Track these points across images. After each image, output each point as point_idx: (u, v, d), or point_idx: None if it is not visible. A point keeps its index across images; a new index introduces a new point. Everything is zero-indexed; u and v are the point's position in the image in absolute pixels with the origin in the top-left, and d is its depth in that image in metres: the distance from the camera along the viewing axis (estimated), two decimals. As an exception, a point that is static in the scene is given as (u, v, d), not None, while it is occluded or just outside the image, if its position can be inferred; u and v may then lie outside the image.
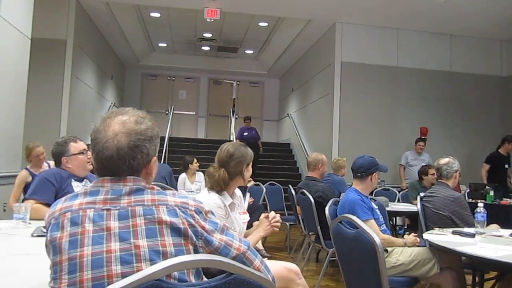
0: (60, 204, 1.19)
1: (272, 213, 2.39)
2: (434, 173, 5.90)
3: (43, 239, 1.20)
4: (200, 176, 6.50)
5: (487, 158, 7.20)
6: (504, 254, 2.23)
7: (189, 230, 1.17)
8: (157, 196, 1.20)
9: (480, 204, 2.99)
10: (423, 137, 8.08)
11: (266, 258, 2.54)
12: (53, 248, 1.13)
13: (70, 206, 1.17)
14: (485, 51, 8.89)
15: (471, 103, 8.80)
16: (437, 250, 2.75)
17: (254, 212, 4.85)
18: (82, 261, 1.08)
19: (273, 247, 6.21)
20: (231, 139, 10.93)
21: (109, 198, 1.17)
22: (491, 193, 5.78)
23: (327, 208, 3.52)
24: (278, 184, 7.19)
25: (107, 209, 1.15)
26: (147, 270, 1.00)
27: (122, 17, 9.10)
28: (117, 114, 1.26)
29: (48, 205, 2.31)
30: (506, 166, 6.88)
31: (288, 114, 12.29)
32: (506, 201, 5.71)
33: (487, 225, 3.10)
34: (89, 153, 2.82)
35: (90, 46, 8.89)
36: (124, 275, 1.04)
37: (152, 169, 1.28)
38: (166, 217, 1.15)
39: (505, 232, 3.00)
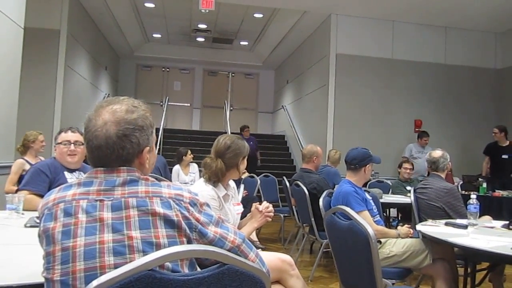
0: (54, 195, 1.19)
1: (265, 203, 2.40)
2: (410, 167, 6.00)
3: (36, 229, 1.20)
4: (194, 167, 6.50)
5: (484, 149, 7.24)
6: (496, 245, 2.26)
7: (183, 222, 1.16)
8: (151, 187, 1.19)
9: (473, 196, 3.02)
10: (422, 130, 8.08)
11: (260, 250, 2.56)
12: (46, 238, 1.12)
13: (63, 196, 1.16)
14: (479, 44, 8.91)
15: (466, 96, 8.83)
16: (430, 242, 2.77)
17: (248, 203, 4.84)
18: (75, 252, 1.08)
19: (268, 239, 6.24)
20: (226, 130, 10.91)
21: (102, 189, 1.16)
22: (484, 185, 5.83)
23: (321, 200, 3.54)
24: (272, 176, 7.21)
25: (100, 200, 1.14)
26: (141, 260, 1.00)
27: (117, 7, 9.02)
28: (110, 103, 1.25)
29: (41, 196, 2.31)
30: (505, 156, 6.87)
31: (283, 106, 12.28)
32: (498, 192, 5.76)
33: (480, 216, 3.13)
34: (72, 145, 2.86)
35: (84, 37, 8.82)
36: (116, 266, 1.04)
37: (145, 159, 1.26)
38: (159, 209, 1.15)
39: (497, 223, 3.03)
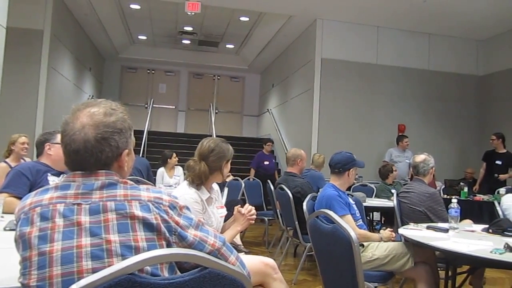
0: (30, 199, 1.16)
1: (247, 206, 2.39)
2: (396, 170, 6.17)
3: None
4: (179, 170, 6.47)
5: (483, 156, 7.42)
6: (476, 249, 2.28)
7: (162, 225, 1.15)
8: (130, 191, 1.18)
9: (454, 200, 3.05)
10: (401, 134, 8.18)
11: (243, 253, 2.55)
12: (23, 243, 1.10)
13: (40, 200, 1.14)
14: (462, 51, 9.07)
15: (449, 101, 8.97)
16: (412, 245, 2.80)
17: (233, 207, 4.84)
18: (52, 257, 1.06)
19: (252, 242, 6.23)
20: (211, 133, 10.88)
21: (80, 192, 1.15)
22: (465, 189, 5.92)
23: (305, 203, 3.55)
24: (257, 179, 7.21)
25: (78, 204, 1.13)
26: (121, 264, 0.99)
27: (102, 8, 8.94)
28: (88, 105, 1.23)
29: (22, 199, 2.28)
30: (498, 162, 7.01)
31: (268, 109, 12.30)
32: (479, 197, 5.85)
33: (461, 220, 3.17)
34: None
35: (68, 37, 8.72)
36: (95, 271, 1.02)
37: (124, 163, 1.25)
38: (138, 212, 1.14)
39: (478, 227, 3.07)
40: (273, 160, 8.87)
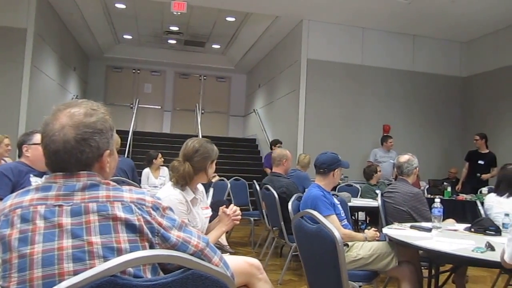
0: (10, 200, 1.15)
1: (232, 206, 2.39)
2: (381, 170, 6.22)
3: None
4: (164, 171, 6.44)
5: (466, 156, 7.53)
6: (458, 248, 2.31)
7: (145, 226, 1.15)
8: (112, 192, 1.17)
9: (437, 200, 3.09)
10: (385, 134, 8.26)
11: (228, 254, 2.55)
12: (3, 245, 1.09)
13: (20, 202, 1.13)
14: (445, 53, 9.19)
15: (432, 102, 9.08)
16: (396, 244, 2.82)
17: (218, 208, 4.83)
18: (32, 259, 1.05)
19: (238, 242, 6.22)
20: (197, 134, 10.84)
21: (61, 194, 1.13)
22: (449, 189, 6.00)
23: (290, 204, 3.56)
24: (243, 180, 7.21)
25: (59, 205, 1.11)
26: (102, 265, 0.98)
27: (86, 7, 8.85)
28: (68, 106, 1.22)
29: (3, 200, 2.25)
30: (481, 162, 7.11)
31: (254, 109, 12.31)
32: (462, 196, 5.93)
33: (444, 219, 3.21)
34: None
35: (51, 36, 8.61)
36: (76, 273, 1.01)
37: (106, 163, 1.24)
38: (121, 214, 1.13)
39: (460, 226, 3.12)
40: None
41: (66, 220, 1.10)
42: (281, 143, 8.19)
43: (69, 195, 1.14)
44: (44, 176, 2.86)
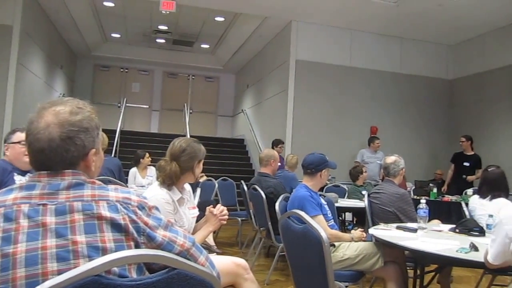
0: None
1: (219, 206, 2.39)
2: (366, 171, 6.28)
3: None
4: (152, 170, 6.40)
5: (451, 157, 7.63)
6: (443, 248, 2.35)
7: (130, 226, 1.14)
8: (97, 191, 1.16)
9: (423, 201, 3.13)
10: (373, 135, 8.32)
11: (215, 254, 2.55)
12: None
13: (3, 201, 1.11)
14: (432, 55, 9.29)
15: (419, 104, 9.17)
16: (382, 245, 2.85)
17: (205, 207, 4.82)
18: (16, 258, 1.03)
19: (225, 243, 6.22)
20: (185, 134, 10.81)
21: (45, 192, 1.12)
22: (435, 190, 6.07)
23: (277, 204, 3.56)
24: (230, 180, 7.20)
25: (44, 204, 1.10)
26: (86, 265, 0.97)
27: (74, 5, 8.76)
28: (53, 104, 1.20)
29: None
30: (466, 164, 7.20)
31: (242, 110, 12.31)
32: (448, 197, 6.00)
33: (430, 220, 3.25)
34: None
35: (38, 34, 8.52)
36: (60, 272, 1.00)
37: (91, 162, 1.23)
38: (106, 213, 1.12)
39: (445, 227, 3.16)
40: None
41: (50, 219, 1.08)
42: (283, 143, 7.95)
43: (54, 194, 1.12)
44: (28, 174, 2.83)
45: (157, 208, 1.25)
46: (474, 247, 2.30)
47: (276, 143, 7.89)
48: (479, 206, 3.53)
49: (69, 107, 1.20)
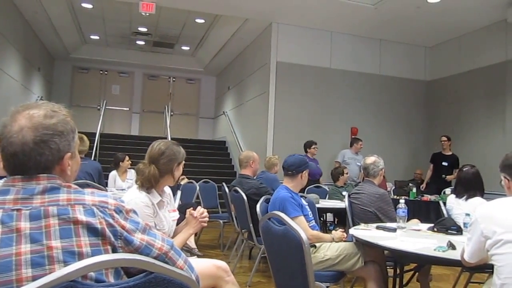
0: None
1: (199, 209, 2.38)
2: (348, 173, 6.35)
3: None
4: (132, 173, 6.33)
5: (430, 158, 7.78)
6: (421, 247, 2.38)
7: (107, 230, 1.13)
8: (73, 195, 1.14)
9: (402, 201, 3.16)
10: (354, 136, 8.39)
11: (195, 257, 2.53)
12: None
13: None
14: (411, 57, 9.42)
15: (398, 105, 9.29)
16: (362, 245, 2.87)
17: (186, 210, 4.80)
18: None
19: (207, 245, 6.19)
20: (166, 136, 10.74)
21: (20, 197, 1.10)
22: (414, 190, 6.15)
23: (258, 205, 3.57)
24: (212, 182, 7.17)
25: (18, 209, 1.08)
26: (61, 270, 0.96)
27: (52, 6, 8.64)
28: (27, 107, 1.18)
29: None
30: (445, 163, 7.33)
31: (224, 112, 12.29)
32: (427, 197, 6.09)
33: (409, 219, 3.29)
34: None
35: (15, 35, 8.36)
36: (35, 279, 0.98)
37: (66, 166, 1.21)
38: (82, 217, 1.10)
39: (424, 226, 3.20)
40: (318, 165, 7.41)
41: (25, 225, 1.07)
42: (316, 143, 7.40)
43: (28, 198, 1.10)
44: (4, 179, 2.76)
45: (135, 212, 1.24)
46: (451, 246, 2.33)
47: (309, 145, 7.39)
48: (455, 206, 3.59)
49: (43, 110, 1.18)
